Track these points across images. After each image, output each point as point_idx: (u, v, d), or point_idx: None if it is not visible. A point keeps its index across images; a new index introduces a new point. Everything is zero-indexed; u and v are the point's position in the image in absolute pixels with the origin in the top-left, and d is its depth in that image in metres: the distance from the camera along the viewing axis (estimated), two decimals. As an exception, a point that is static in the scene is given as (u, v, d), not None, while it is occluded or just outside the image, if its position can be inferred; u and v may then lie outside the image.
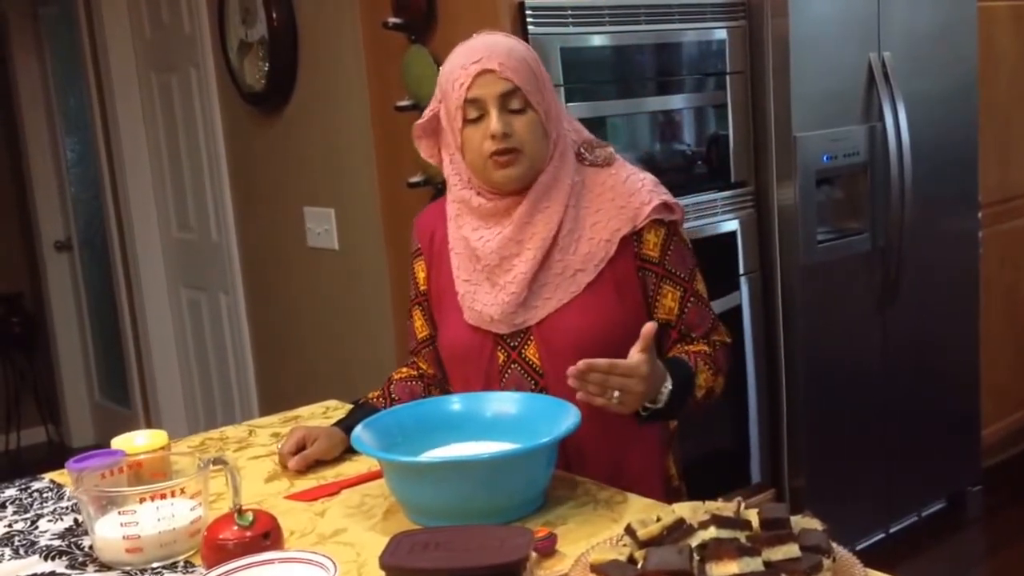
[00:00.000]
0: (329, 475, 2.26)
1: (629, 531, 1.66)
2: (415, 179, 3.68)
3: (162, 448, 2.19)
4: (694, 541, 1.59)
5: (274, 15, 4.26)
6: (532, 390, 2.22)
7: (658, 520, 1.65)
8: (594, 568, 1.59)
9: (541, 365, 2.22)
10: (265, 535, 1.76)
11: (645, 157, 3.79)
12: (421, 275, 2.41)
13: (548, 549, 1.77)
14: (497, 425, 2.12)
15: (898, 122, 4.12)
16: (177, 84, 5.08)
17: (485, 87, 2.14)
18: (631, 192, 2.23)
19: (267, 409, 4.33)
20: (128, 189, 5.37)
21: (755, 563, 1.53)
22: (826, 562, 1.55)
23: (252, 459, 2.41)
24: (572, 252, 2.19)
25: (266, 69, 4.37)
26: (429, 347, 2.42)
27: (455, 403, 2.19)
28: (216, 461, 1.93)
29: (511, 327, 2.22)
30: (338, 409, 2.70)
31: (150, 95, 5.30)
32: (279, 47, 4.29)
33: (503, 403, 2.16)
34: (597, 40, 3.58)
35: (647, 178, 2.27)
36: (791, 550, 1.55)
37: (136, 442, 2.19)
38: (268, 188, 4.62)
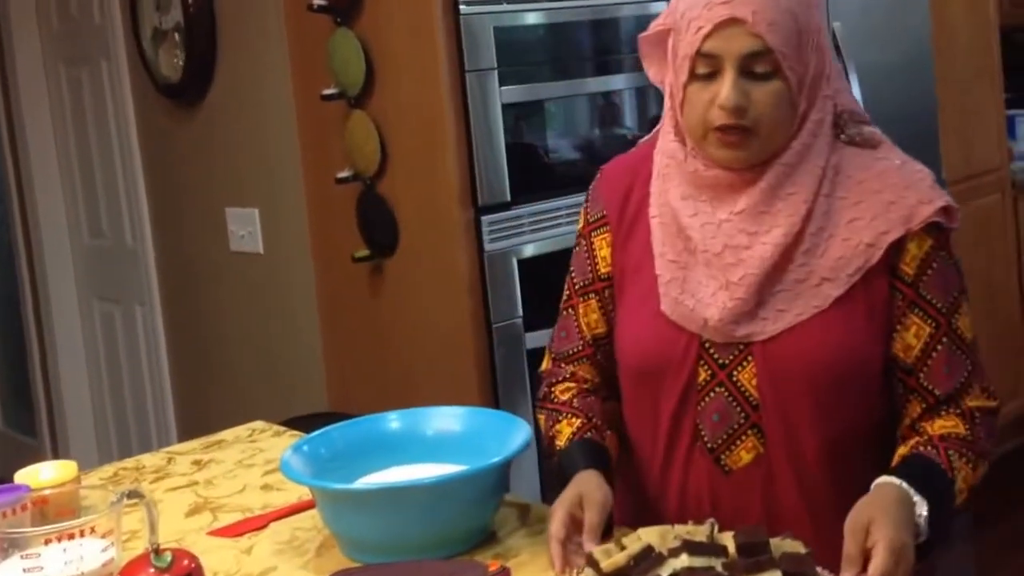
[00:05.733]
0: (256, 506, 2.17)
1: (591, 562, 1.60)
2: (344, 174, 3.64)
3: (71, 481, 2.11)
4: (665, 571, 1.53)
5: (190, 0, 4.17)
6: (741, 424, 1.84)
7: (622, 549, 1.59)
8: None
9: (758, 395, 1.83)
10: None
11: (584, 143, 3.74)
12: (604, 251, 1.99)
13: (501, 584, 1.70)
14: (441, 445, 2.04)
15: (851, 95, 4.08)
16: (87, 77, 5.00)
17: (727, 41, 1.74)
18: (907, 184, 1.83)
19: (187, 433, 4.25)
20: (35, 192, 5.27)
21: None
22: (812, 589, 1.48)
23: (171, 491, 2.32)
24: (819, 255, 1.80)
25: (182, 58, 4.30)
26: (602, 350, 2.02)
27: (393, 420, 2.10)
28: (131, 494, 1.83)
29: (727, 338, 1.84)
30: (265, 431, 2.62)
31: (58, 89, 5.21)
32: (196, 34, 4.22)
33: (446, 419, 2.08)
34: (532, 18, 3.54)
35: (926, 170, 1.87)
36: None
37: (42, 475, 2.11)
38: (187, 188, 4.55)
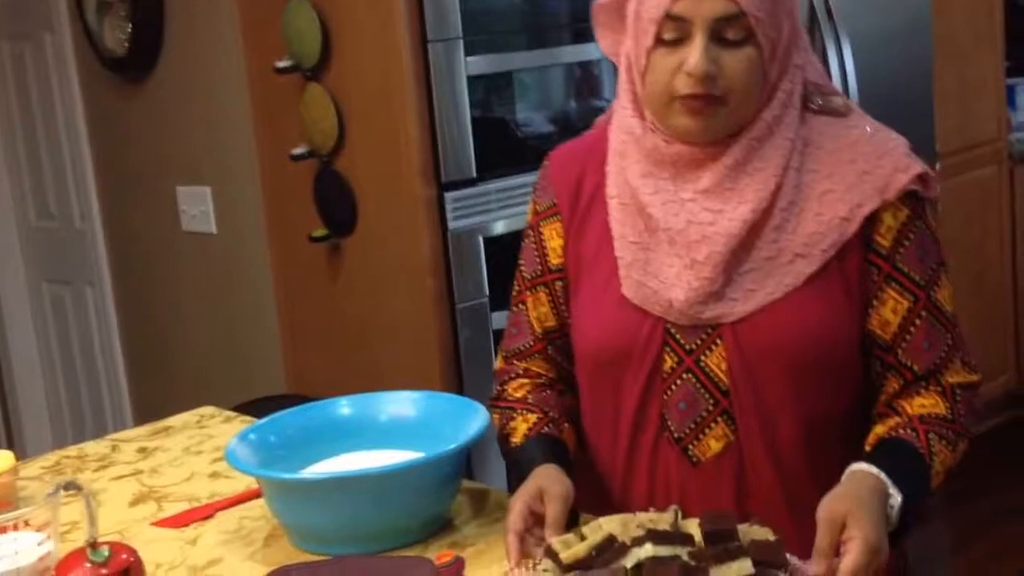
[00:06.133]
0: (203, 495, 2.15)
1: (550, 553, 1.57)
2: (299, 151, 3.60)
3: (6, 473, 2.08)
4: (628, 562, 1.51)
5: (135, -32, 4.14)
6: (710, 411, 1.80)
7: (583, 538, 1.57)
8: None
9: (728, 380, 1.79)
10: (124, 572, 1.67)
11: (559, 116, 3.70)
12: (555, 242, 1.95)
13: (455, 576, 1.68)
14: (395, 431, 2.02)
15: (844, 65, 4.09)
16: (31, 53, 4.95)
17: (698, 3, 1.68)
18: (880, 153, 1.79)
19: (143, 417, 4.23)
20: (-21, 173, 5.22)
21: None
22: (784, 577, 1.47)
23: (114, 480, 2.30)
24: (791, 231, 1.76)
25: (128, 30, 4.25)
26: (554, 344, 1.99)
27: (344, 406, 2.08)
28: (68, 486, 1.81)
29: (693, 320, 1.79)
30: (214, 417, 2.60)
31: (0, 66, 5.14)
32: (142, 5, 4.17)
33: (401, 404, 2.07)
34: (502, -18, 3.50)
35: (900, 138, 1.84)
36: (743, 567, 1.47)
37: (-24, 467, 2.09)
38: (136, 166, 4.51)
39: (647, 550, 1.50)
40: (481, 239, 3.43)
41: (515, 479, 1.84)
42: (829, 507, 1.59)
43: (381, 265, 3.54)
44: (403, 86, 3.32)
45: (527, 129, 3.69)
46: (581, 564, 1.52)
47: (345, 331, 3.71)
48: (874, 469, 1.67)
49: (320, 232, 3.62)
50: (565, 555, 1.53)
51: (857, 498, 1.61)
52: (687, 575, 1.45)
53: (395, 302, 3.52)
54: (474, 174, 3.43)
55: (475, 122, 3.41)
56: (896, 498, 1.65)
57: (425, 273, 3.41)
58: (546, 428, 1.89)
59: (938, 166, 4.58)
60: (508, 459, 1.93)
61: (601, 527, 1.58)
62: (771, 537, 1.54)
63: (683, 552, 1.50)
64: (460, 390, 3.33)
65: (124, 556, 1.69)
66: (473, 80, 3.41)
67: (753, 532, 1.55)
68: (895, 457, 1.72)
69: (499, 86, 3.60)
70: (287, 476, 1.86)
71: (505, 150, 3.56)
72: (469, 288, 3.42)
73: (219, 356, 4.34)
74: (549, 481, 1.74)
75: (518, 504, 1.71)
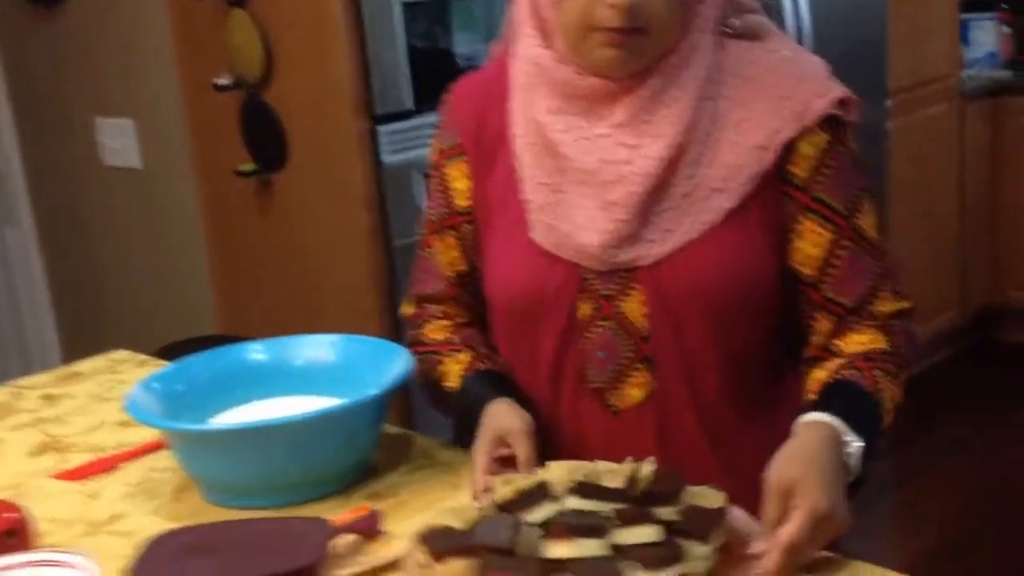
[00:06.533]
0: (110, 445, 2.06)
1: (488, 491, 1.54)
2: (223, 81, 3.50)
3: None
4: (540, 513, 1.45)
5: None
6: (630, 359, 1.73)
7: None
8: (421, 537, 1.45)
9: (648, 325, 1.72)
10: (9, 533, 1.61)
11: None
12: (460, 183, 1.86)
13: (370, 530, 1.62)
14: (311, 376, 1.94)
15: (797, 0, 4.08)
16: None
17: None
18: (799, 77, 1.71)
19: (72, 362, 4.14)
20: None
21: (593, 546, 1.39)
22: (700, 549, 1.40)
23: (15, 429, 2.21)
24: (707, 164, 1.68)
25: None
26: (467, 288, 1.90)
27: (258, 351, 2.00)
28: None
29: (608, 265, 1.72)
30: (127, 361, 2.51)
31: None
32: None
33: (318, 348, 1.98)
34: None
35: (819, 60, 1.76)
36: (646, 533, 1.40)
37: None
38: (54, 98, 4.41)
39: (570, 503, 1.44)
40: (420, 175, 3.33)
41: (461, 424, 1.78)
42: (778, 472, 1.50)
43: (313, 201, 3.47)
44: (333, 11, 3.23)
45: (472, 62, 3.58)
46: (509, 505, 1.46)
47: (277, 270, 3.65)
48: (826, 417, 1.59)
49: (248, 167, 3.52)
50: (499, 493, 1.48)
51: (809, 459, 1.52)
52: (583, 534, 1.39)
53: (328, 239, 3.45)
54: (412, 106, 3.34)
55: (413, 52, 3.32)
56: (855, 444, 1.58)
57: (359, 209, 3.34)
58: (481, 364, 1.82)
59: (889, 103, 4.57)
60: (445, 404, 1.86)
61: (549, 469, 1.52)
62: (717, 504, 1.46)
63: (607, 508, 1.43)
64: (396, 329, 3.25)
65: (9, 515, 1.62)
66: (410, 7, 3.31)
67: (704, 496, 1.47)
68: (845, 401, 1.64)
69: (438, 13, 3.49)
70: (191, 427, 1.78)
71: (446, 82, 3.45)
72: (405, 224, 3.33)
73: (149, 296, 4.28)
74: (507, 419, 1.68)
75: (479, 460, 1.65)
